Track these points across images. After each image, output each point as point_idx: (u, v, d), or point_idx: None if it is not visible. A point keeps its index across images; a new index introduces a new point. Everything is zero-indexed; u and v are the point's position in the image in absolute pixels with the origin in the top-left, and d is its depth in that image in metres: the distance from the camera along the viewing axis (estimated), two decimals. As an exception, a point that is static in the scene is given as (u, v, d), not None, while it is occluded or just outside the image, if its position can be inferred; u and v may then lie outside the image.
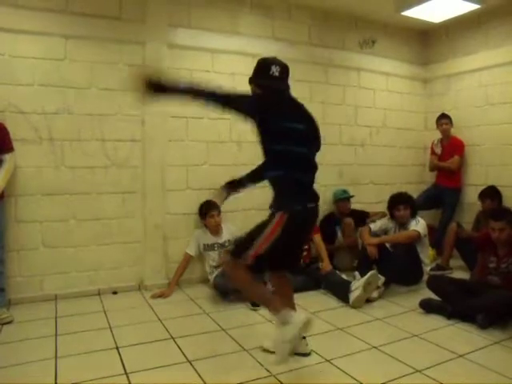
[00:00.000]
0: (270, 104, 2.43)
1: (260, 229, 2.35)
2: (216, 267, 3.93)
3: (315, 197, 2.50)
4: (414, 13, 4.73)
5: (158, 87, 2.27)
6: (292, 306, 2.55)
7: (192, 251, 3.99)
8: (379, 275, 3.71)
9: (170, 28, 4.08)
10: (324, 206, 4.82)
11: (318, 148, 2.62)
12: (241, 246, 2.41)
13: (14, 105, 3.52)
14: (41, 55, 3.63)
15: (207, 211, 4.01)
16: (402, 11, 4.69)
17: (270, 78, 2.47)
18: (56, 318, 3.27)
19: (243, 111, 2.39)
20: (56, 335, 2.93)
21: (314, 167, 2.54)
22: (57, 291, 3.70)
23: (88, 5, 3.74)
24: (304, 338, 2.56)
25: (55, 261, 3.71)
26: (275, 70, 2.47)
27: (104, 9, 3.81)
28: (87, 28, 3.74)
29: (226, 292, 3.68)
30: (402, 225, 4.10)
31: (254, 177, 2.82)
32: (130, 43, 3.92)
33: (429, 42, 5.65)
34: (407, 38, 5.55)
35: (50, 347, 2.73)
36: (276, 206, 2.39)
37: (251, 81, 2.55)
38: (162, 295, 3.79)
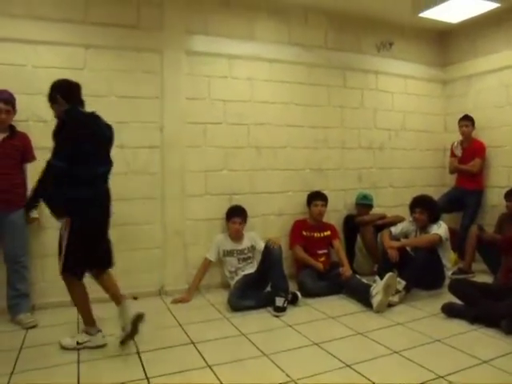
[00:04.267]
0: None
1: None
2: (235, 272, 3.95)
3: None
4: (432, 14, 4.67)
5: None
6: (120, 298, 2.93)
7: (212, 257, 4.00)
8: (400, 279, 3.67)
9: (188, 35, 4.13)
10: (344, 211, 4.80)
11: None
12: None
13: (36, 114, 3.60)
14: (61, 65, 3.69)
15: (230, 217, 4.06)
16: (420, 13, 4.64)
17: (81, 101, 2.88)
18: (78, 322, 3.30)
19: None
20: (79, 340, 2.97)
21: None
22: (79, 297, 3.75)
23: (106, 14, 3.82)
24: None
25: (77, 267, 3.75)
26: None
27: (122, 18, 3.88)
28: (106, 37, 3.81)
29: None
30: (423, 228, 4.04)
31: None
32: (147, 51, 3.99)
33: (447, 42, 5.58)
34: (425, 39, 5.50)
35: (73, 351, 2.77)
36: None
37: (60, 99, 2.79)
38: (182, 300, 3.82)
